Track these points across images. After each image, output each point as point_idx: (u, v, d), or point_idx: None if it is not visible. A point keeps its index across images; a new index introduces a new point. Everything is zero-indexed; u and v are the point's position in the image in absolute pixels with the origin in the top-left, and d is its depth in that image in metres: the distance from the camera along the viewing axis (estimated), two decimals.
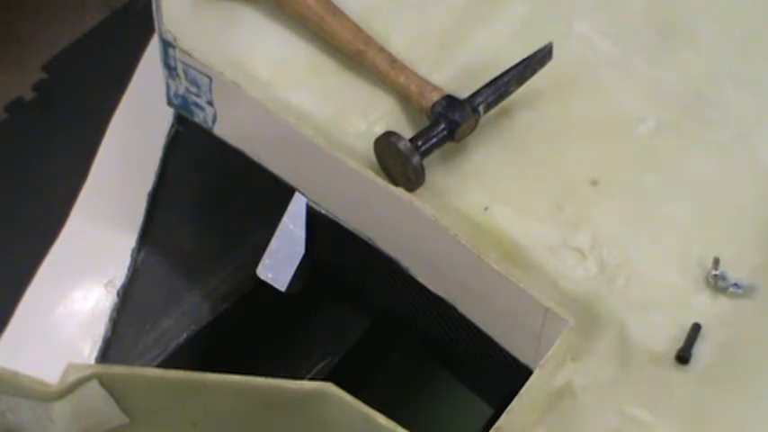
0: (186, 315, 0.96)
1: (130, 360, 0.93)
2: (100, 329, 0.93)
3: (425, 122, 0.85)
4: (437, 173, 0.85)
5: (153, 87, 0.93)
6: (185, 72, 0.87)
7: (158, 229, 0.99)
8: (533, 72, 0.87)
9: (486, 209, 0.84)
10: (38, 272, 0.95)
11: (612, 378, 0.76)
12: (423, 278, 0.82)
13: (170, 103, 0.92)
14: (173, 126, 1.04)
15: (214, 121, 0.88)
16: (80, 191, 1.00)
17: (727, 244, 0.82)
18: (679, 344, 0.77)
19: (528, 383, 0.69)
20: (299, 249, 0.95)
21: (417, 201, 0.78)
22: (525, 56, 0.86)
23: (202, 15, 0.91)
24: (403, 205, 0.78)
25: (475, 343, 0.82)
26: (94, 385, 0.64)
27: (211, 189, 1.03)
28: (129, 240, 0.98)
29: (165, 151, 1.03)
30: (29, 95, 1.12)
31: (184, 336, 0.95)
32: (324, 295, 1.02)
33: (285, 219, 0.93)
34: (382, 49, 0.89)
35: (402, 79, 0.87)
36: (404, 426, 0.64)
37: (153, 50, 0.97)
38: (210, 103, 0.87)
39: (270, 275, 0.95)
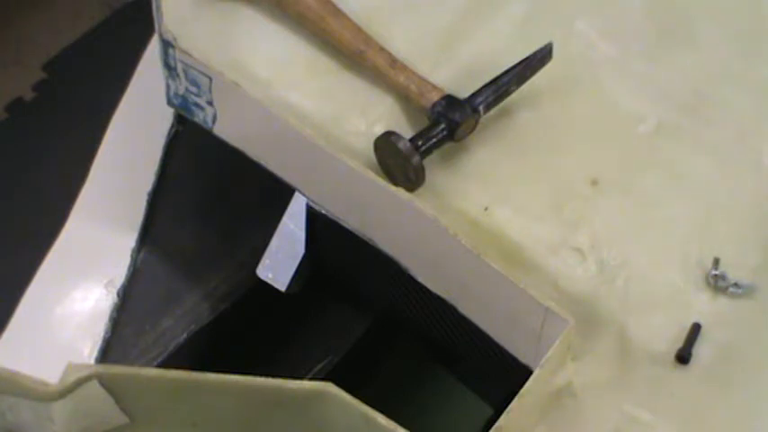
0: (186, 315, 0.96)
1: (130, 360, 0.93)
2: (100, 329, 0.93)
3: (425, 122, 0.85)
4: (437, 173, 0.85)
5: (153, 87, 0.93)
6: (185, 72, 0.87)
7: (158, 229, 0.99)
8: (533, 72, 0.87)
9: (486, 209, 0.84)
10: (38, 272, 0.95)
11: (612, 378, 0.76)
12: (423, 278, 0.82)
13: (170, 103, 0.92)
14: (173, 126, 1.04)
15: (214, 121, 0.88)
16: (80, 191, 1.00)
17: (727, 244, 0.82)
18: (679, 344, 0.77)
19: (528, 383, 0.69)
20: (299, 249, 0.95)
21: (417, 201, 0.78)
22: (525, 56, 0.87)
23: (202, 15, 0.91)
24: (403, 205, 0.78)
25: (475, 343, 0.82)
26: (94, 385, 0.64)
27: (211, 189, 1.03)
28: (129, 240, 0.98)
29: (165, 151, 1.03)
30: (29, 95, 1.13)
31: (184, 336, 0.95)
32: (324, 295, 1.02)
33: (285, 219, 0.93)
34: (382, 49, 0.89)
35: (402, 79, 0.87)
36: (404, 426, 0.64)
37: (153, 50, 0.97)
38: (210, 103, 0.87)
39: (270, 275, 0.95)
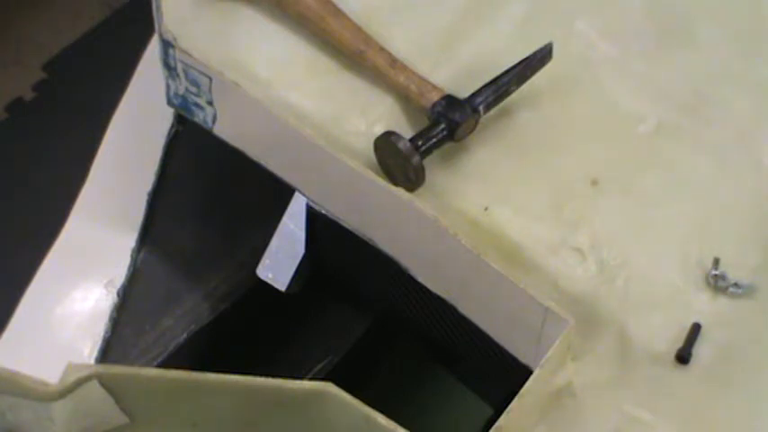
0: (186, 315, 0.96)
1: (130, 360, 0.93)
2: (100, 329, 0.93)
3: (425, 122, 0.85)
4: (437, 173, 0.85)
5: (153, 87, 0.93)
6: (185, 72, 0.87)
7: (158, 229, 1.00)
8: (533, 72, 0.87)
9: (486, 209, 0.84)
10: (38, 272, 0.95)
11: (612, 378, 0.76)
12: (423, 278, 0.82)
13: (170, 103, 0.92)
14: (173, 126, 1.04)
15: (214, 121, 0.88)
16: (80, 191, 1.00)
17: (727, 244, 0.82)
18: (679, 344, 0.77)
19: (528, 383, 0.69)
20: (299, 249, 0.95)
21: (417, 201, 0.78)
22: (525, 56, 0.87)
23: (202, 15, 0.91)
24: (403, 205, 0.78)
25: (475, 343, 0.82)
26: (94, 385, 0.64)
27: (211, 189, 1.03)
28: (129, 240, 0.98)
29: (165, 151, 1.03)
30: (29, 95, 1.13)
31: (184, 336, 0.95)
32: (324, 295, 1.02)
33: (285, 219, 0.93)
34: (382, 49, 0.89)
35: (402, 79, 0.87)
36: (404, 426, 0.64)
37: (153, 50, 0.97)
38: (210, 103, 0.87)
39: (270, 275, 0.95)
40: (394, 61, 0.88)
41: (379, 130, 0.85)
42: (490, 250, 0.77)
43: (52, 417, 0.65)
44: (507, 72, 0.86)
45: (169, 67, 0.88)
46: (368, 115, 0.88)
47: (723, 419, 0.75)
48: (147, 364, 0.92)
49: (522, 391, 0.69)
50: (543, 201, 0.85)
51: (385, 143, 0.83)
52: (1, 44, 1.19)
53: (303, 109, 0.88)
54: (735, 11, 0.96)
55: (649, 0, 0.97)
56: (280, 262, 0.95)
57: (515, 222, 0.83)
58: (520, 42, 0.89)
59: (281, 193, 0.89)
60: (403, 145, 0.81)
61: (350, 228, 0.84)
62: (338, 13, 0.90)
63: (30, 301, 0.94)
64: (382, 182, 0.80)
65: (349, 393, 0.65)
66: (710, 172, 0.87)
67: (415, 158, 0.81)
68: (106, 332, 0.93)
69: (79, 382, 0.63)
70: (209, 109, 0.88)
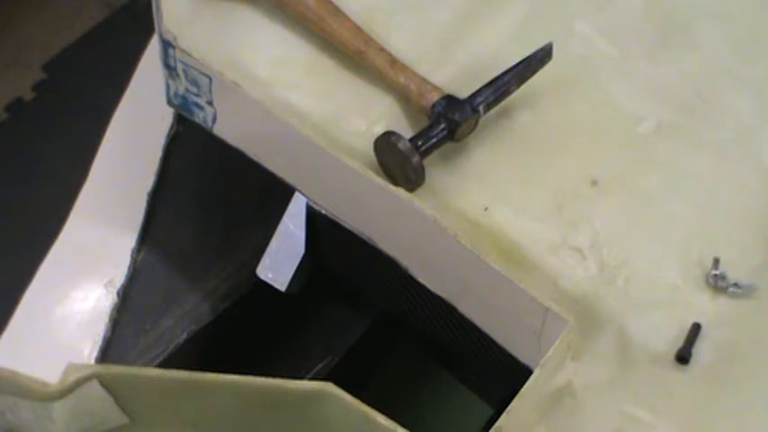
0: (186, 315, 0.96)
1: (130, 360, 0.93)
2: (100, 329, 0.93)
3: (425, 122, 0.85)
4: (437, 173, 0.85)
5: (153, 87, 0.93)
6: (185, 72, 0.87)
7: (158, 229, 1.00)
8: (533, 72, 0.87)
9: (486, 209, 0.84)
10: (38, 272, 0.95)
11: (612, 378, 0.76)
12: (423, 278, 0.82)
13: (170, 103, 0.92)
14: (173, 126, 1.04)
15: (214, 121, 0.88)
16: (80, 191, 1.00)
17: (727, 244, 0.82)
18: (679, 344, 0.77)
19: (528, 383, 0.69)
20: (299, 249, 0.95)
21: (417, 201, 0.78)
22: (525, 56, 0.87)
23: (202, 15, 0.91)
24: (403, 205, 0.78)
25: (475, 343, 0.82)
26: (94, 385, 0.64)
27: (211, 189, 1.03)
28: (129, 240, 0.98)
29: (165, 151, 1.03)
30: (29, 95, 1.13)
31: (184, 336, 0.95)
32: (324, 295, 1.02)
33: (285, 219, 0.93)
34: (382, 49, 0.89)
35: (402, 79, 0.87)
36: (404, 426, 0.64)
37: (153, 50, 0.97)
38: (210, 103, 0.87)
39: (270, 275, 0.95)
40: (394, 61, 0.88)
41: (379, 130, 0.85)
42: (490, 250, 0.77)
43: (52, 417, 0.65)
44: (507, 72, 0.86)
45: (169, 67, 0.88)
46: (368, 115, 0.88)
47: (723, 419, 0.75)
48: (147, 364, 0.92)
49: (522, 391, 0.69)
50: (543, 201, 0.85)
51: (385, 143, 0.83)
52: (1, 44, 1.19)
53: (303, 109, 0.88)
54: (735, 11, 0.96)
55: (649, 0, 0.97)
56: (280, 262, 0.95)
57: (515, 222, 0.83)
58: (520, 42, 0.89)
59: (281, 193, 0.89)
60: (403, 145, 0.81)
61: (350, 228, 0.84)
62: (338, 13, 0.90)
63: (30, 301, 0.94)
64: (382, 182, 0.80)
65: (349, 393, 0.65)
66: (711, 172, 0.87)
67: (415, 158, 0.81)
68: (106, 332, 0.93)
69: (79, 382, 0.63)
70: (209, 109, 0.88)
